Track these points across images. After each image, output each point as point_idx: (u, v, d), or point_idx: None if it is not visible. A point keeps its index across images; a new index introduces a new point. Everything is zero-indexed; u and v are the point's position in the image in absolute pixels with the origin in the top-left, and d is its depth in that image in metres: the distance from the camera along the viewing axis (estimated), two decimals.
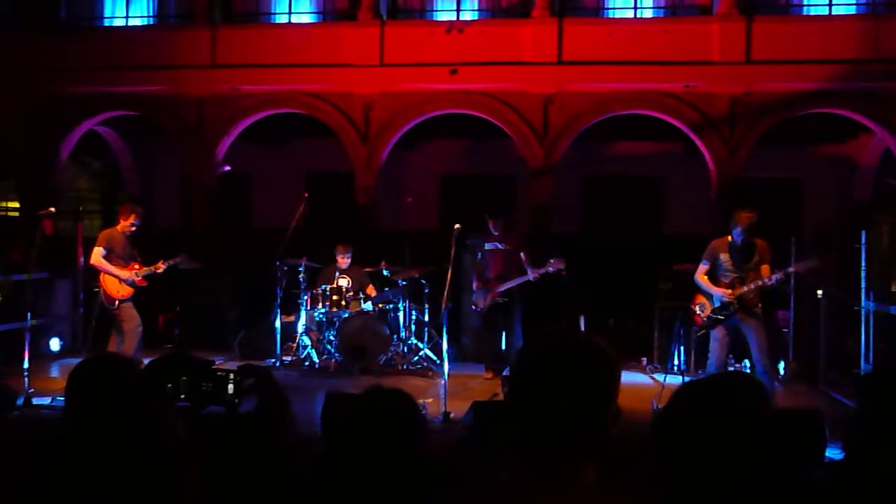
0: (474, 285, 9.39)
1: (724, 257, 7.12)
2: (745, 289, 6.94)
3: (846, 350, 8.72)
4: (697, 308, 7.33)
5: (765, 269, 6.98)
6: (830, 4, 12.89)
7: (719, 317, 7.09)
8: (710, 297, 7.17)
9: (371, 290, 10.02)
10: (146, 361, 2.82)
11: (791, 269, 7.13)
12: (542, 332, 1.60)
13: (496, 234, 9.21)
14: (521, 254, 9.10)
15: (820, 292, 9.17)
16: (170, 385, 2.42)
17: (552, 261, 8.77)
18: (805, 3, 13.13)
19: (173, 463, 1.35)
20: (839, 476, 2.19)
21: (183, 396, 2.55)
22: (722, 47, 12.48)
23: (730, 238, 7.10)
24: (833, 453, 5.25)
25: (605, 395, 1.52)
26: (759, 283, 6.92)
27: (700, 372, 9.04)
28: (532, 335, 1.60)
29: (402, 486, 2.01)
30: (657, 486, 1.58)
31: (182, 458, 1.34)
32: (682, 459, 1.58)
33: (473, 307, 9.51)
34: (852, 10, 12.89)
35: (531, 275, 8.88)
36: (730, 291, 6.99)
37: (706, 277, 7.19)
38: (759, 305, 7.07)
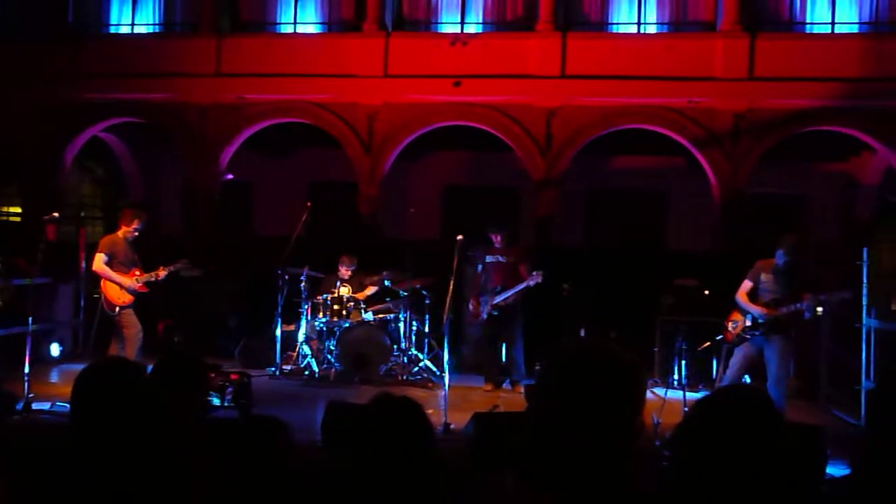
0: (470, 299, 9.39)
1: (765, 278, 7.24)
2: (780, 311, 7.01)
3: (847, 367, 8.71)
4: (730, 325, 7.42)
5: (805, 295, 7.03)
6: (833, 23, 12.94)
7: (746, 336, 7.18)
8: (744, 314, 7.24)
9: (361, 295, 9.92)
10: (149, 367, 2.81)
11: (822, 297, 7.17)
12: (570, 343, 1.60)
13: (499, 247, 9.22)
14: (521, 267, 9.11)
15: (820, 309, 9.17)
16: (180, 389, 2.41)
17: (533, 273, 8.83)
18: (808, 21, 13.17)
19: (183, 466, 1.35)
20: (845, 492, 2.19)
21: (195, 400, 2.55)
22: (725, 63, 12.53)
23: (774, 260, 7.17)
24: (833, 470, 5.25)
25: (633, 406, 1.51)
26: (794, 307, 6.98)
27: (701, 386, 9.03)
28: (559, 345, 1.59)
29: (412, 493, 2.00)
30: (673, 498, 1.58)
31: (192, 460, 1.34)
32: (698, 472, 1.58)
33: (472, 318, 9.51)
34: (855, 29, 12.95)
35: (517, 290, 8.90)
36: (767, 310, 7.07)
37: (746, 296, 7.27)
38: (792, 331, 7.14)
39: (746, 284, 7.33)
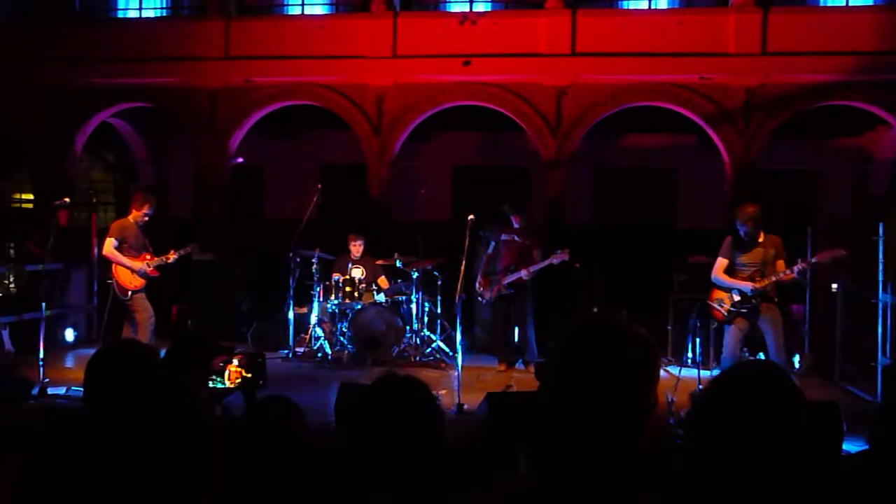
0: (479, 278, 9.38)
1: (737, 251, 7.10)
2: (769, 281, 6.91)
3: (862, 343, 8.65)
4: (716, 303, 7.27)
5: (779, 264, 6.93)
6: None
7: (741, 310, 7.05)
8: (728, 291, 7.12)
9: (383, 282, 10.02)
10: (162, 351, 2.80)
11: (815, 260, 7.03)
12: (582, 319, 1.57)
13: (517, 226, 9.20)
14: (535, 251, 9.08)
15: (835, 285, 9.09)
16: (198, 370, 2.40)
17: (557, 252, 8.78)
18: None
19: (199, 449, 1.33)
20: (863, 467, 2.17)
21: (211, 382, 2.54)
22: (738, 38, 12.39)
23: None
24: (850, 446, 5.22)
25: (646, 382, 1.49)
26: (774, 278, 6.87)
27: (715, 364, 8.99)
28: (570, 323, 1.56)
29: (420, 474, 1.99)
30: (690, 477, 1.56)
31: (208, 444, 1.33)
32: (714, 449, 1.56)
33: (480, 299, 9.50)
34: (870, 2, 12.77)
35: (533, 270, 8.88)
36: (755, 283, 6.96)
37: (724, 273, 7.14)
38: (776, 300, 7.04)
39: (722, 262, 7.15)
